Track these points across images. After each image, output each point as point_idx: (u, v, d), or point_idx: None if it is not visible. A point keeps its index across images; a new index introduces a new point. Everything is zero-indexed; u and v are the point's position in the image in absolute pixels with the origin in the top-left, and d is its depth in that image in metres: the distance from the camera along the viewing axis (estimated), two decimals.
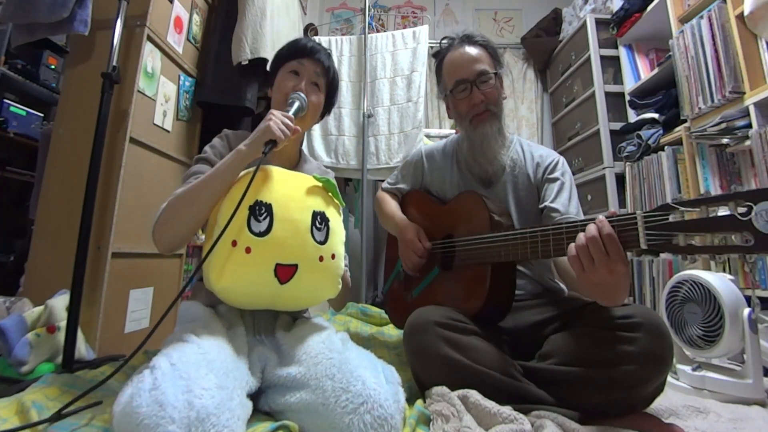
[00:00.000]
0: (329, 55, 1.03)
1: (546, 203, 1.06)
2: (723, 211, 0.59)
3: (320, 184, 0.88)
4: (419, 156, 1.28)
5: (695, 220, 0.61)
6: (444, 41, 1.18)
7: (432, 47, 3.13)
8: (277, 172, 0.84)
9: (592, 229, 0.69)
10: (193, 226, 0.83)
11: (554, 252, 0.79)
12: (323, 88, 1.01)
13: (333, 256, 0.83)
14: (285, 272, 0.77)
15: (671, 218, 0.64)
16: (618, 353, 0.78)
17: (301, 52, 0.99)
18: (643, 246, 0.66)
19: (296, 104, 0.90)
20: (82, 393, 0.67)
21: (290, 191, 0.83)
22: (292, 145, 1.02)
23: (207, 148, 0.96)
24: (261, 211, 0.77)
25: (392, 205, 1.26)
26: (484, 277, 0.94)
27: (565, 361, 0.83)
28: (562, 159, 1.15)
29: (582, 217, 1.06)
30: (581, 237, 0.70)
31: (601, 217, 0.71)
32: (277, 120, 0.82)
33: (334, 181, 0.90)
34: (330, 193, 0.89)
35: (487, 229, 0.96)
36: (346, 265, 1.02)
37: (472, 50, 1.10)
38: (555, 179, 1.09)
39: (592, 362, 0.80)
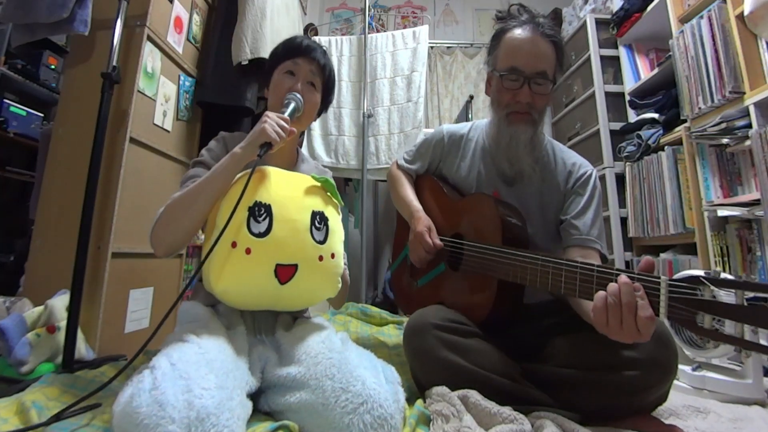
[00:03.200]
0: (325, 53, 1.01)
1: (568, 217, 1.01)
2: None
3: (318, 184, 0.88)
4: (440, 136, 1.19)
5: (727, 305, 0.56)
6: (514, 7, 1.04)
7: (432, 47, 3.15)
8: (275, 173, 0.84)
9: (641, 305, 0.62)
10: (191, 229, 0.83)
11: (580, 294, 0.72)
12: (319, 86, 1.00)
13: (332, 256, 0.83)
14: (285, 272, 0.77)
15: (699, 294, 0.58)
16: (621, 358, 0.78)
17: (296, 51, 0.97)
18: (662, 317, 0.61)
19: (292, 105, 0.90)
20: (83, 396, 0.66)
21: (289, 191, 0.83)
22: (289, 146, 1.01)
23: (203, 151, 0.96)
24: (260, 211, 0.77)
25: (408, 189, 1.21)
26: (491, 288, 0.91)
27: (567, 364, 0.83)
28: (594, 172, 1.07)
29: (603, 241, 0.99)
30: (614, 297, 0.63)
31: (642, 293, 0.62)
32: (272, 122, 0.82)
33: (332, 181, 0.90)
34: (329, 193, 0.89)
35: (498, 239, 0.93)
36: (345, 264, 1.02)
37: (542, 43, 0.98)
38: (583, 194, 1.03)
39: (594, 365, 0.79)
